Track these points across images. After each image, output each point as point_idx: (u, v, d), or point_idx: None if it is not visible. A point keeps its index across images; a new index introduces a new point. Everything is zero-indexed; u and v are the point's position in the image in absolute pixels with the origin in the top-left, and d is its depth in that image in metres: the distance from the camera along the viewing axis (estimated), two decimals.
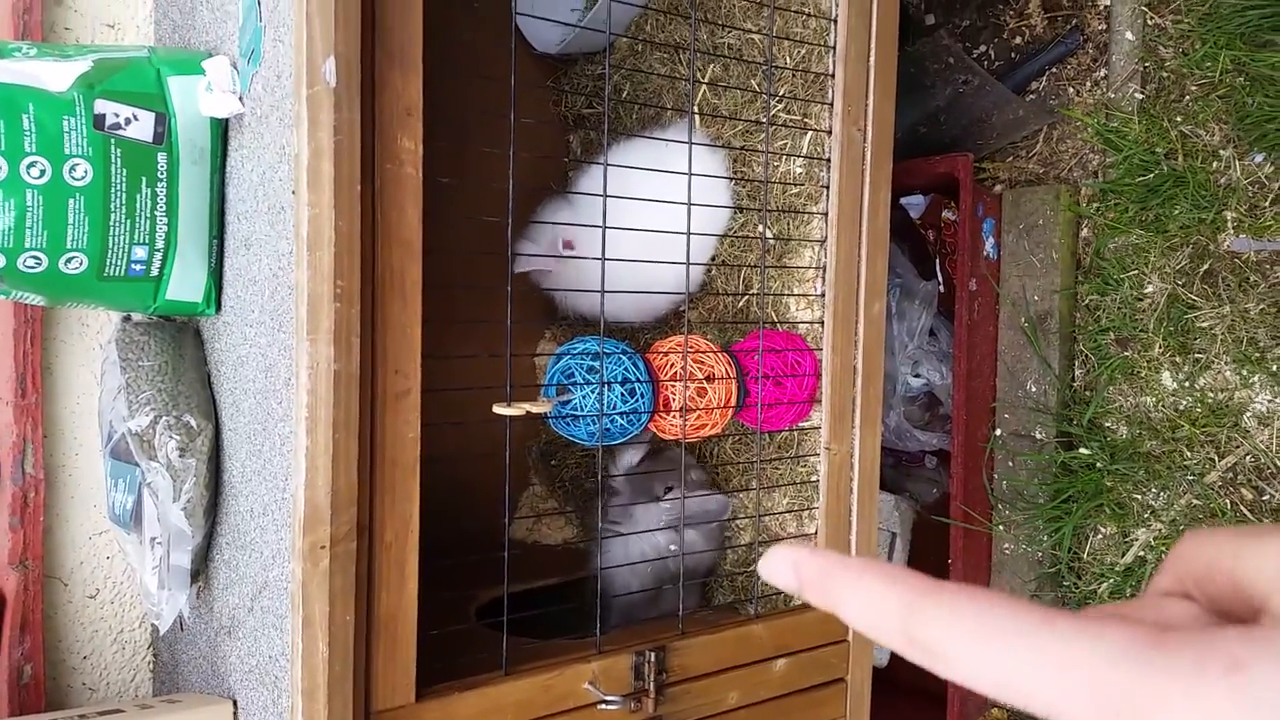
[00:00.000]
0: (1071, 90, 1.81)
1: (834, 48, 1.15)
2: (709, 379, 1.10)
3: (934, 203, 1.94)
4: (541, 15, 1.33)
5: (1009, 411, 1.75)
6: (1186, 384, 1.59)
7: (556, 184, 1.45)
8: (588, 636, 1.00)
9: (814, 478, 1.18)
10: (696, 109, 1.29)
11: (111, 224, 0.94)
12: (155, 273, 0.99)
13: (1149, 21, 1.68)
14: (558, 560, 1.39)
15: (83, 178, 0.92)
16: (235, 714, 0.97)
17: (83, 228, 0.93)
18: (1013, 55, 1.92)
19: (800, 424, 1.19)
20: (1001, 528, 1.72)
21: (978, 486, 1.72)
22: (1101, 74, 1.76)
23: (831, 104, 1.16)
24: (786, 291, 1.20)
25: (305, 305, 0.77)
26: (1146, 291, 1.64)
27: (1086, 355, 1.72)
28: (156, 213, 0.97)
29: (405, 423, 0.84)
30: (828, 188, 1.16)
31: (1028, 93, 1.86)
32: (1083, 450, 1.67)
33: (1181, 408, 1.60)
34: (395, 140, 0.83)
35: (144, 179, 0.96)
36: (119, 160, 0.94)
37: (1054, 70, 1.84)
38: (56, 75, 0.92)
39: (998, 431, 1.75)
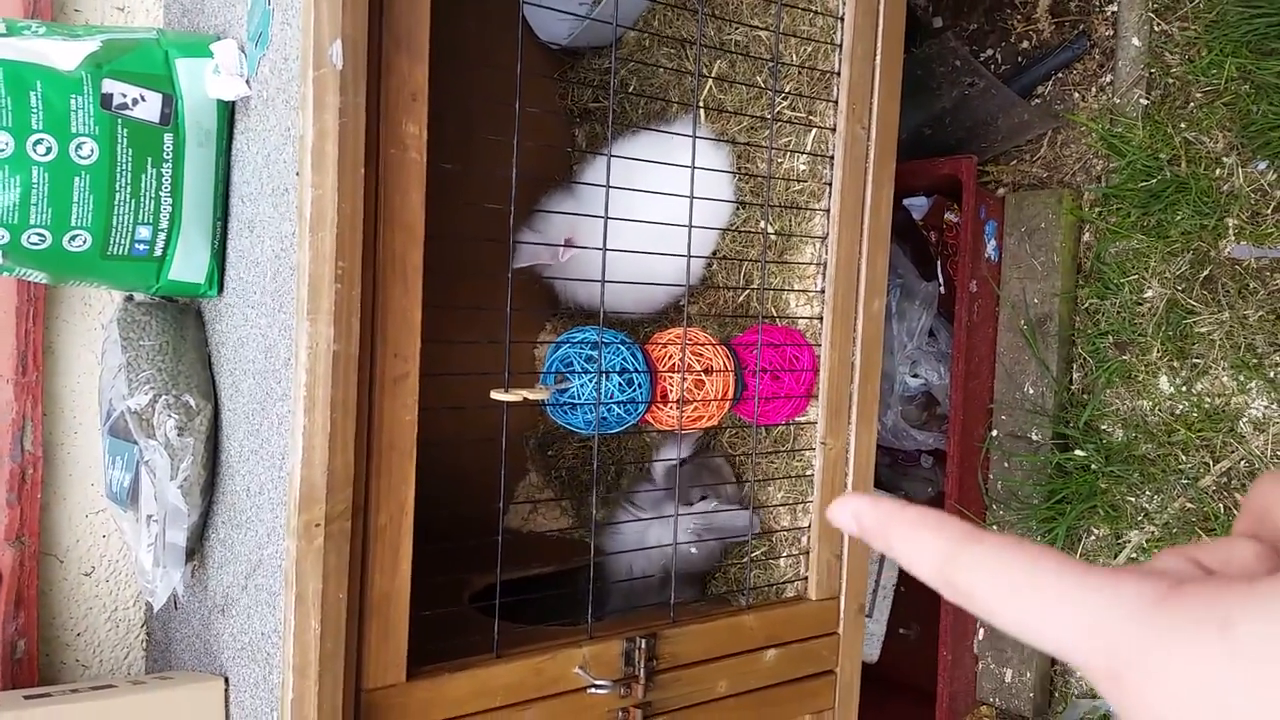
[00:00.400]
0: (1077, 95, 1.81)
1: (840, 46, 1.16)
2: (707, 371, 1.11)
3: (937, 204, 1.94)
4: (550, 6, 1.33)
5: (1006, 413, 1.75)
6: (1184, 388, 1.60)
7: (561, 175, 1.46)
8: (581, 623, 1.01)
9: (809, 472, 1.18)
10: (702, 104, 1.29)
11: (116, 203, 0.95)
12: (159, 253, 1.00)
13: (1156, 28, 1.69)
14: (553, 548, 1.40)
15: (89, 156, 0.92)
16: (227, 691, 0.98)
17: (87, 206, 0.93)
18: (1019, 59, 1.92)
19: (797, 418, 1.20)
20: (995, 527, 1.73)
21: (973, 486, 1.73)
22: (1107, 79, 1.76)
23: (836, 102, 1.16)
24: (787, 287, 1.21)
25: (306, 286, 0.78)
26: (1146, 296, 1.64)
27: (1085, 358, 1.72)
28: (161, 193, 0.98)
29: (403, 406, 0.85)
30: (830, 185, 1.16)
31: (1033, 97, 1.87)
32: (1078, 452, 1.68)
33: (1178, 412, 1.60)
34: (400, 125, 0.83)
35: (149, 159, 0.96)
36: (125, 140, 0.94)
37: (1060, 75, 1.84)
38: (65, 54, 0.93)
39: (994, 432, 1.76)
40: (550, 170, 1.47)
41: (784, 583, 1.19)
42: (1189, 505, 1.58)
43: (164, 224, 0.99)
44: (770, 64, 1.19)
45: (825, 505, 1.17)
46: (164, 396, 0.99)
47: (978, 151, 1.84)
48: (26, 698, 0.95)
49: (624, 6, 1.37)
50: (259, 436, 0.90)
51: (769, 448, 1.24)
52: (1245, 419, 1.54)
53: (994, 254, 1.77)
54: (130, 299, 1.10)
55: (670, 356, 1.11)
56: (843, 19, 1.15)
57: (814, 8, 1.17)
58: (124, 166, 0.94)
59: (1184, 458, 1.58)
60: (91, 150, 0.92)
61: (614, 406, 1.06)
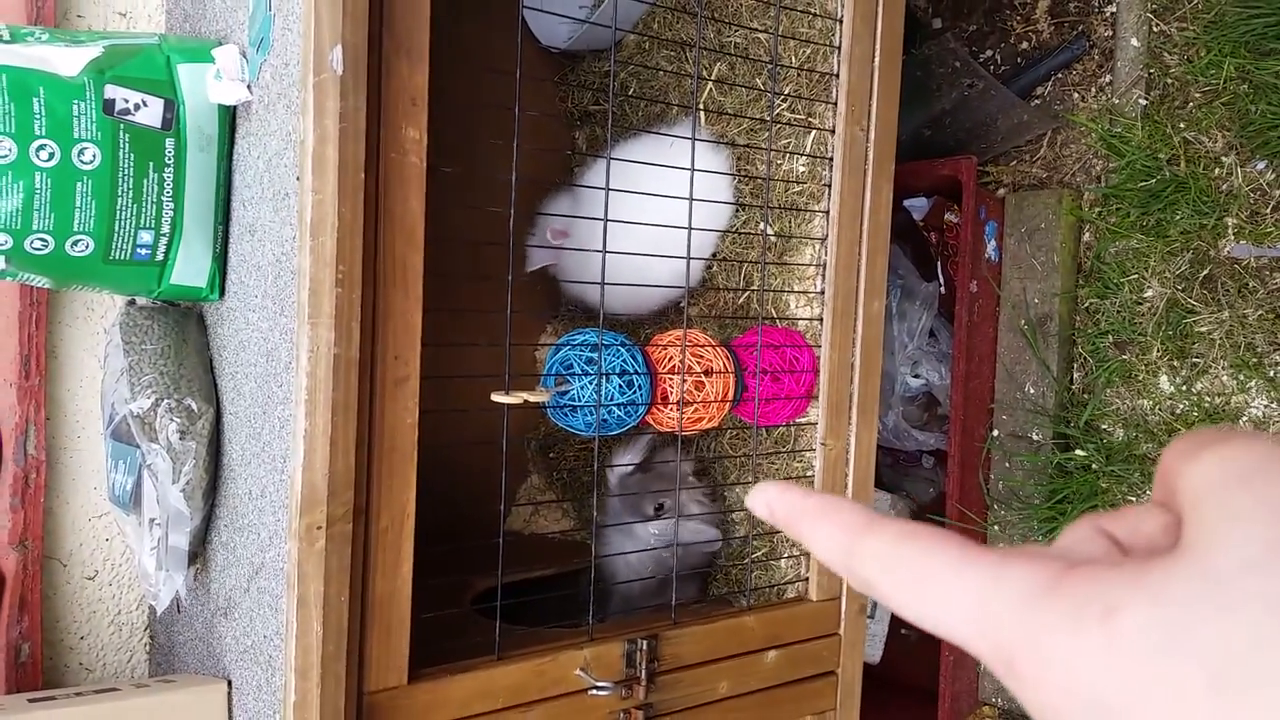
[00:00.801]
0: (1076, 95, 1.82)
1: (839, 48, 1.16)
2: (707, 373, 1.11)
3: (937, 205, 1.94)
4: (550, 10, 1.34)
5: (1007, 413, 1.75)
6: (1184, 388, 1.60)
7: (561, 178, 1.46)
8: (582, 626, 1.01)
9: (809, 473, 1.19)
10: (701, 106, 1.29)
11: (118, 208, 0.95)
12: (160, 257, 1.00)
13: (1155, 28, 1.69)
14: (554, 551, 1.40)
15: (91, 161, 0.93)
16: (230, 694, 0.98)
17: (90, 211, 0.94)
18: (1019, 60, 1.92)
19: (797, 419, 1.20)
20: (996, 528, 1.73)
21: (974, 486, 1.73)
22: (1106, 80, 1.77)
23: (835, 104, 1.16)
24: (786, 288, 1.21)
25: (307, 290, 0.78)
26: (1146, 296, 1.64)
27: (1085, 358, 1.73)
28: (163, 198, 0.98)
29: (404, 409, 0.85)
30: (830, 186, 1.17)
31: (1033, 97, 1.87)
32: (1079, 452, 1.68)
33: (1178, 411, 1.60)
34: (400, 129, 0.84)
35: (151, 164, 0.97)
36: (127, 145, 0.95)
37: (1060, 75, 1.84)
38: (68, 60, 0.93)
39: (995, 432, 1.76)
40: (551, 173, 1.48)
41: (785, 584, 1.19)
42: None
43: (166, 228, 0.99)
44: (769, 66, 1.19)
45: None
46: (166, 400, 0.99)
47: (977, 152, 1.85)
48: (31, 701, 0.96)
49: (623, 10, 1.38)
50: (260, 440, 0.91)
51: (769, 449, 1.24)
52: (1245, 418, 1.54)
53: (994, 254, 1.78)
54: (132, 303, 1.11)
55: (670, 358, 1.11)
56: (841, 21, 1.15)
57: (813, 10, 1.18)
58: (126, 171, 0.95)
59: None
60: (94, 155, 0.92)
61: (614, 408, 1.06)
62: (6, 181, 0.89)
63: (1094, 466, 1.67)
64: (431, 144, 0.86)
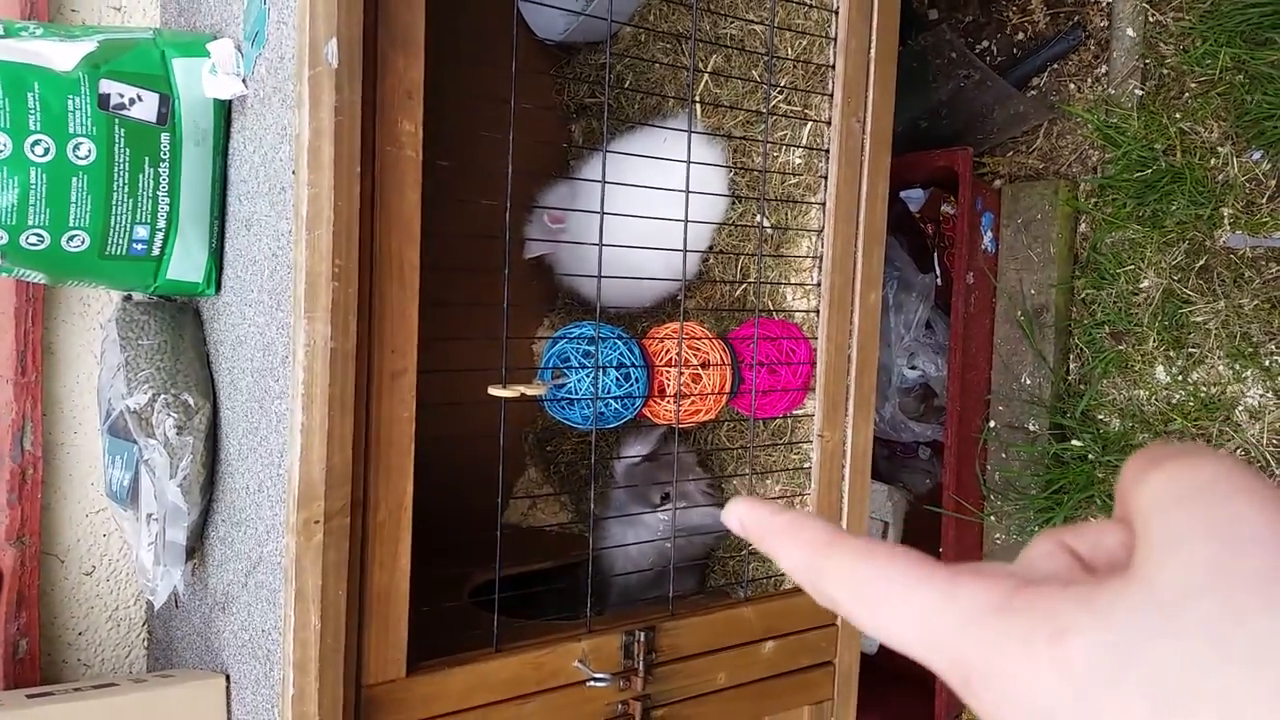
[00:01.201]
0: (1072, 86, 1.82)
1: (835, 39, 1.16)
2: (704, 365, 1.11)
3: (933, 196, 1.94)
4: (546, 3, 1.33)
5: (1003, 404, 1.76)
6: (1180, 378, 1.60)
7: (558, 171, 1.46)
8: (580, 618, 1.01)
9: (806, 465, 1.19)
10: (698, 99, 1.29)
11: (114, 203, 0.95)
12: (156, 252, 1.00)
13: (1150, 18, 1.69)
14: (552, 544, 1.40)
15: (86, 157, 0.93)
16: (228, 688, 0.98)
17: (85, 206, 0.94)
18: (1015, 51, 1.92)
19: (794, 411, 1.20)
20: (993, 518, 1.74)
21: (970, 477, 1.73)
22: (1102, 70, 1.77)
23: (831, 95, 1.16)
24: (783, 280, 1.21)
25: (303, 284, 0.78)
26: (1142, 286, 1.65)
27: (1081, 349, 1.73)
28: (159, 193, 0.98)
29: (401, 403, 0.85)
30: (826, 178, 1.17)
31: (1029, 88, 1.87)
32: (1075, 442, 1.68)
33: (1174, 401, 1.61)
34: (396, 123, 0.84)
35: (147, 159, 0.97)
36: (122, 140, 0.95)
37: (1055, 66, 1.84)
38: (62, 55, 0.93)
39: (991, 423, 1.76)
40: (547, 166, 1.48)
41: (782, 575, 1.20)
42: None
43: (161, 223, 0.99)
44: (765, 58, 1.19)
45: (823, 498, 1.18)
46: (163, 395, 0.99)
47: (974, 143, 1.85)
48: (29, 696, 0.96)
49: (619, 2, 1.37)
50: (258, 434, 0.91)
51: (766, 441, 1.24)
52: (1241, 407, 1.54)
53: (990, 245, 1.78)
54: (128, 298, 1.10)
55: (667, 351, 1.11)
56: (837, 12, 1.15)
57: (808, 2, 1.18)
58: (121, 166, 0.95)
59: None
60: (89, 150, 0.92)
61: (611, 401, 1.06)
62: (2, 177, 0.89)
63: (1090, 457, 1.67)
64: (427, 137, 0.86)
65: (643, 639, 1.01)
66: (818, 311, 1.18)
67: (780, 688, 1.14)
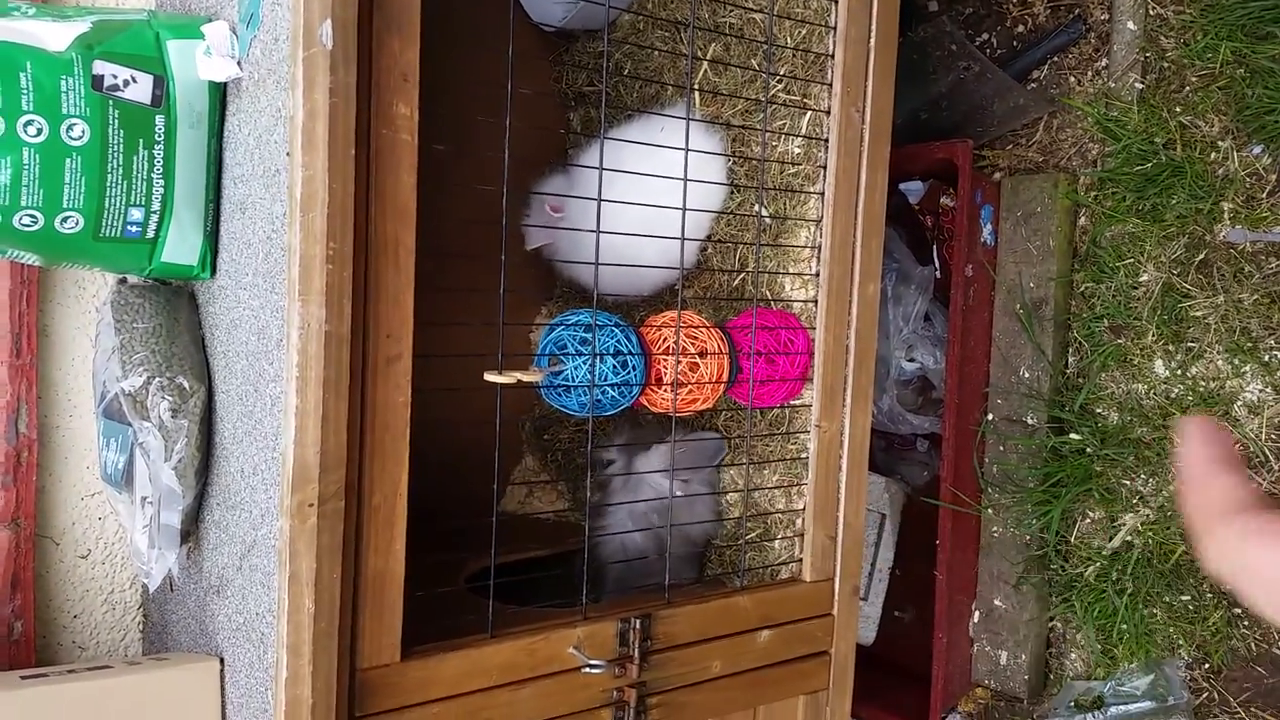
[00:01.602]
0: (1073, 79, 1.81)
1: (834, 28, 1.15)
2: (702, 354, 1.11)
3: (933, 189, 1.94)
4: None
5: (1001, 397, 1.75)
6: (1178, 372, 1.60)
7: (555, 158, 1.45)
8: (575, 605, 1.01)
9: (804, 455, 1.19)
10: (697, 87, 1.29)
11: (108, 185, 0.95)
12: (151, 235, 1.00)
13: (1151, 12, 1.68)
14: (549, 532, 1.40)
15: (80, 138, 0.92)
16: (222, 671, 0.98)
17: (79, 188, 0.93)
18: (1015, 43, 1.92)
19: (791, 401, 1.20)
20: (990, 511, 1.74)
21: (968, 470, 1.73)
22: (1103, 63, 1.76)
23: (831, 84, 1.16)
24: (781, 270, 1.21)
25: (297, 266, 0.78)
26: (1141, 280, 1.64)
27: (1080, 342, 1.73)
28: (153, 175, 0.98)
29: (396, 387, 0.85)
30: (825, 168, 1.16)
31: (1029, 81, 1.87)
32: (1073, 436, 1.68)
33: (1173, 395, 1.61)
34: (391, 106, 0.83)
35: (141, 141, 0.96)
36: (116, 121, 0.94)
37: (1056, 59, 1.84)
38: (55, 35, 0.92)
39: (990, 416, 1.76)
40: (544, 153, 1.47)
41: (779, 564, 1.20)
42: None
43: (156, 206, 0.98)
44: (765, 46, 1.18)
45: (820, 489, 1.18)
46: (158, 378, 0.99)
47: (973, 136, 1.84)
48: (23, 678, 0.96)
49: None
50: (252, 418, 0.91)
51: (764, 431, 1.24)
52: (1240, 402, 1.54)
53: (990, 238, 1.77)
54: (123, 281, 1.10)
55: (665, 339, 1.11)
56: (837, 1, 1.15)
57: None
58: (115, 148, 0.94)
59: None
60: (83, 132, 0.92)
61: (608, 389, 1.06)
62: None
63: (1088, 450, 1.67)
64: (422, 121, 0.85)
65: (638, 626, 1.01)
66: (816, 302, 1.17)
67: (775, 677, 1.14)
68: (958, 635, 1.74)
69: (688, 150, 1.06)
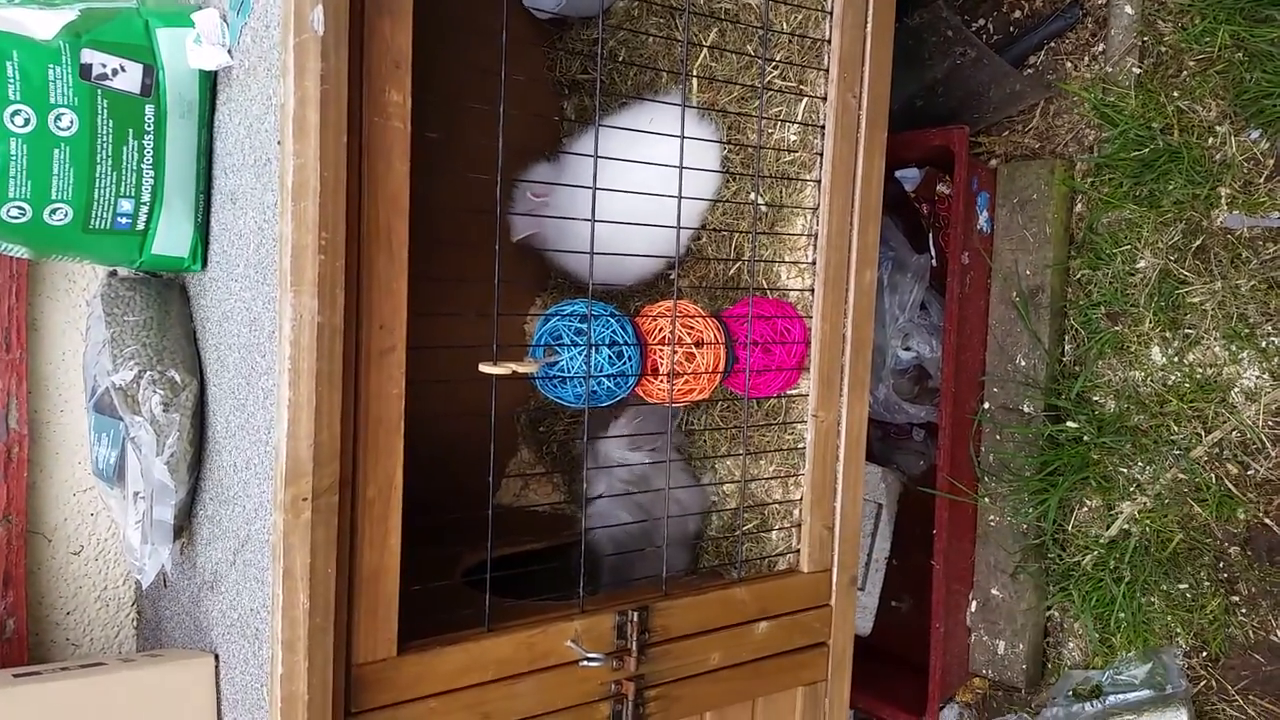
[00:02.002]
0: (1069, 64, 1.80)
1: (831, 13, 1.14)
2: (698, 344, 1.10)
3: (929, 176, 1.93)
4: None
5: (998, 385, 1.75)
6: (1176, 359, 1.59)
7: (548, 147, 1.44)
8: (572, 598, 1.00)
9: (800, 445, 1.18)
10: (693, 73, 1.28)
11: (97, 175, 0.93)
12: (141, 226, 0.99)
13: None
14: (545, 524, 1.39)
15: (68, 128, 0.91)
16: (217, 667, 0.97)
17: (68, 179, 0.92)
18: (1011, 29, 1.91)
19: (788, 391, 1.19)
20: (987, 500, 1.73)
21: (965, 459, 1.72)
22: (1100, 48, 1.75)
23: (827, 70, 1.15)
24: (777, 259, 1.20)
25: (289, 256, 0.77)
26: (1138, 267, 1.64)
27: (1077, 330, 1.72)
28: (143, 165, 0.96)
29: (390, 379, 0.84)
30: (821, 155, 1.15)
31: (1025, 66, 1.85)
32: (1070, 424, 1.68)
33: (1170, 383, 1.60)
34: (383, 93, 0.82)
35: (131, 131, 0.95)
36: (105, 111, 0.93)
37: (1052, 44, 1.83)
38: (42, 23, 0.91)
39: (986, 405, 1.75)
40: (537, 141, 1.46)
41: (776, 555, 1.19)
42: (1181, 476, 1.58)
43: (146, 197, 0.97)
44: (760, 32, 1.17)
45: (817, 478, 1.17)
46: (149, 372, 0.98)
47: (969, 122, 1.83)
48: (16, 676, 0.95)
49: None
50: (245, 411, 0.89)
51: (760, 421, 1.23)
52: (1237, 389, 1.54)
53: (986, 226, 1.76)
54: (114, 274, 1.09)
55: (660, 329, 1.10)
56: None
57: None
58: (104, 138, 0.93)
59: (1176, 428, 1.58)
60: (71, 121, 0.91)
61: (604, 380, 1.05)
62: None
63: (1085, 438, 1.66)
64: (415, 109, 0.84)
65: (636, 619, 1.00)
66: (812, 290, 1.16)
67: (774, 668, 1.13)
68: (955, 625, 1.73)
69: (683, 137, 1.05)
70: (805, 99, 1.16)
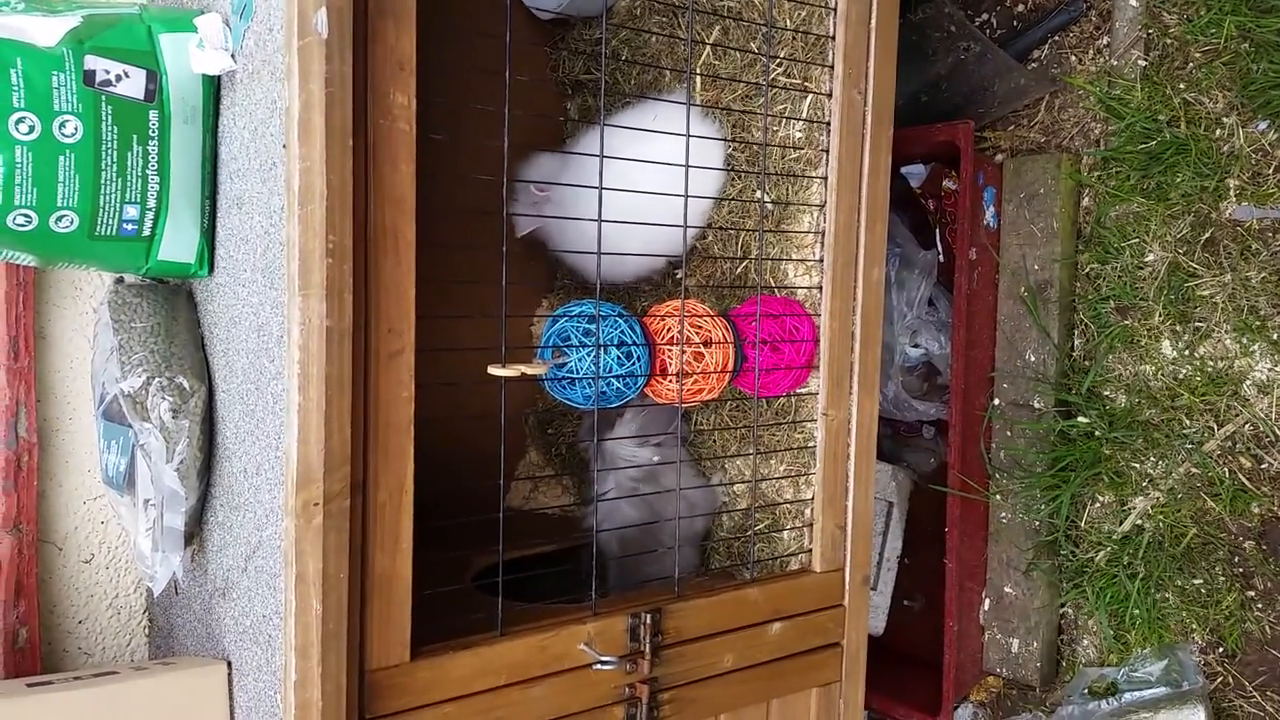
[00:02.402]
0: (1074, 58, 1.79)
1: (834, 9, 1.14)
2: (706, 343, 1.10)
3: (935, 172, 1.92)
4: None
5: (1008, 381, 1.74)
6: (1186, 352, 1.58)
7: (552, 147, 1.44)
8: (584, 601, 1.00)
9: (811, 443, 1.17)
10: (696, 71, 1.27)
11: (102, 182, 0.93)
12: (147, 232, 0.98)
13: None
14: (555, 527, 1.39)
15: (73, 134, 0.91)
16: (230, 675, 0.97)
17: (73, 185, 0.92)
18: (1015, 23, 1.90)
19: (798, 390, 1.19)
20: (999, 496, 1.72)
21: (975, 456, 1.72)
22: (1104, 41, 1.74)
23: (832, 67, 1.14)
24: (785, 256, 1.20)
25: (297, 260, 0.77)
26: (1147, 260, 1.63)
27: (1086, 324, 1.71)
28: (148, 171, 0.96)
29: (399, 382, 0.84)
30: (828, 151, 1.15)
31: (1030, 61, 1.85)
32: (1081, 419, 1.67)
33: (1181, 376, 1.59)
34: (388, 95, 0.82)
35: (135, 137, 0.95)
36: (110, 117, 0.93)
37: (1056, 38, 1.82)
38: (45, 30, 0.91)
39: (996, 401, 1.75)
40: (541, 141, 1.45)
41: (788, 555, 1.18)
42: (1194, 470, 1.57)
43: (152, 203, 0.97)
44: (764, 29, 1.17)
45: (828, 477, 1.16)
46: (157, 379, 0.98)
47: (975, 117, 1.82)
48: (29, 685, 0.94)
49: None
50: (254, 417, 0.89)
51: (770, 420, 1.22)
52: (1249, 381, 1.53)
53: (993, 221, 1.76)
54: (120, 281, 1.09)
55: (669, 329, 1.09)
56: None
57: None
58: (109, 144, 0.93)
59: (1187, 422, 1.57)
60: (75, 128, 0.90)
61: (613, 380, 1.04)
62: None
63: (1096, 433, 1.65)
64: (420, 111, 0.84)
65: (649, 621, 0.99)
66: (820, 287, 1.16)
67: (788, 669, 1.13)
68: (968, 623, 1.72)
69: (688, 136, 1.05)
70: (810, 96, 1.16)
